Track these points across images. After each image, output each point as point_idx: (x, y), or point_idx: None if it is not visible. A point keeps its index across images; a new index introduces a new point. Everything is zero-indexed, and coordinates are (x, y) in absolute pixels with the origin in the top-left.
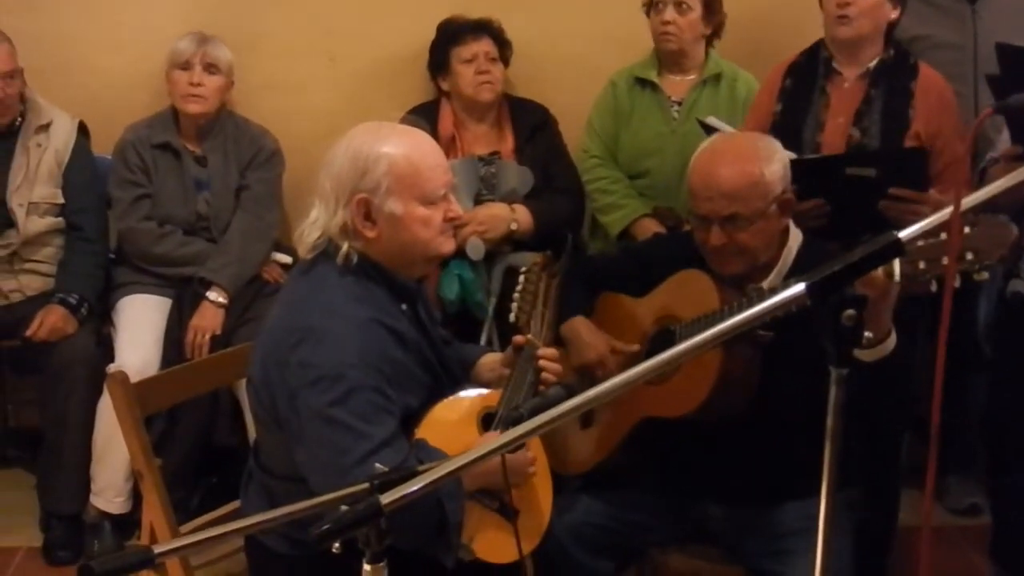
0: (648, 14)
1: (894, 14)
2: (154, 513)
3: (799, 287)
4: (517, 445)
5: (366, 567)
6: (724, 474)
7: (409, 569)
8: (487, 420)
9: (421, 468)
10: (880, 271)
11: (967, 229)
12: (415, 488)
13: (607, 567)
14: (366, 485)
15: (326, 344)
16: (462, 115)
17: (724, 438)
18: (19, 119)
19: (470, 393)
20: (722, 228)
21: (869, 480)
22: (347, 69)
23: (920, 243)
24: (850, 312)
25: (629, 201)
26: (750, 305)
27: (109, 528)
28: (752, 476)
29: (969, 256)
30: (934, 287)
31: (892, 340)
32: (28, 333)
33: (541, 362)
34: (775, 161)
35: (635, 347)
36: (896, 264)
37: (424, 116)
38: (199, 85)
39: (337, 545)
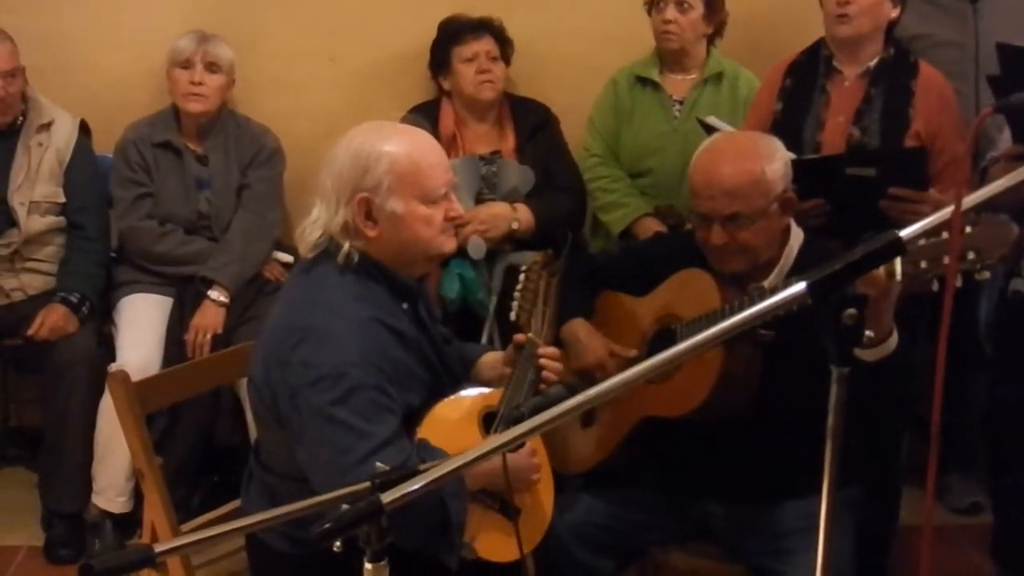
0: (649, 13)
1: (894, 13)
2: (155, 512)
3: (800, 286)
4: (518, 444)
5: (367, 566)
6: (725, 473)
7: (410, 568)
8: (488, 419)
9: (422, 467)
10: (881, 270)
11: (968, 228)
12: (416, 487)
13: (608, 566)
14: (367, 484)
15: (327, 343)
16: (463, 114)
17: (725, 437)
18: (20, 118)
19: (471, 392)
20: (723, 227)
21: (870, 479)
22: (347, 68)
23: (921, 242)
24: (851, 311)
25: (630, 200)
26: (751, 304)
27: (110, 527)
28: (753, 475)
29: (970, 255)
30: (935, 286)
31: (894, 339)
32: (29, 332)
33: (542, 361)
34: (776, 160)
35: (633, 352)
36: (897, 263)
37: (425, 115)
38: (200, 84)
39: (338, 544)
